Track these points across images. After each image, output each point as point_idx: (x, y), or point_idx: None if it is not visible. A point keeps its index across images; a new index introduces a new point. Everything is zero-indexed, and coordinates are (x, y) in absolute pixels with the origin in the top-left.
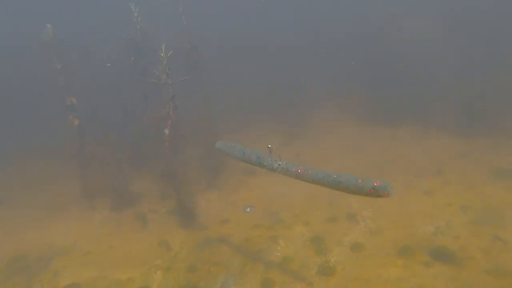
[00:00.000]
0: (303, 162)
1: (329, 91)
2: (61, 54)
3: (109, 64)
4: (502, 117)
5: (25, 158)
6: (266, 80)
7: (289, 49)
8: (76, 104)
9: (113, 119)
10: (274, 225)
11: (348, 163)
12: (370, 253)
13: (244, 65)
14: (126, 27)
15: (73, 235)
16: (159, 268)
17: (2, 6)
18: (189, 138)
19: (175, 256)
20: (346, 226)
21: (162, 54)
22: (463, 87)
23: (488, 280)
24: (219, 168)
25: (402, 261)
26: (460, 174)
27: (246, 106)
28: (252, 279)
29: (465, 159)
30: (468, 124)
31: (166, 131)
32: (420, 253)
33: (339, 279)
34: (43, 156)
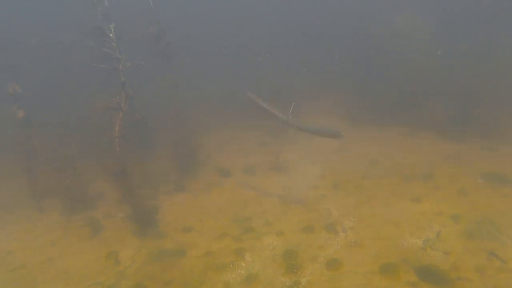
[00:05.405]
0: (283, 162)
1: (312, 89)
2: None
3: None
4: (497, 118)
5: None
6: (244, 75)
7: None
8: (20, 93)
9: (66, 110)
10: (243, 234)
11: (331, 163)
12: (348, 271)
13: (223, 58)
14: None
15: (12, 243)
16: (100, 287)
17: None
18: (159, 134)
19: (123, 272)
20: (324, 237)
21: (111, 35)
22: (455, 85)
23: None
24: (192, 167)
25: (385, 281)
26: (451, 179)
27: (224, 101)
28: None
29: (457, 162)
30: (460, 124)
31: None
32: (406, 272)
33: None
34: None
